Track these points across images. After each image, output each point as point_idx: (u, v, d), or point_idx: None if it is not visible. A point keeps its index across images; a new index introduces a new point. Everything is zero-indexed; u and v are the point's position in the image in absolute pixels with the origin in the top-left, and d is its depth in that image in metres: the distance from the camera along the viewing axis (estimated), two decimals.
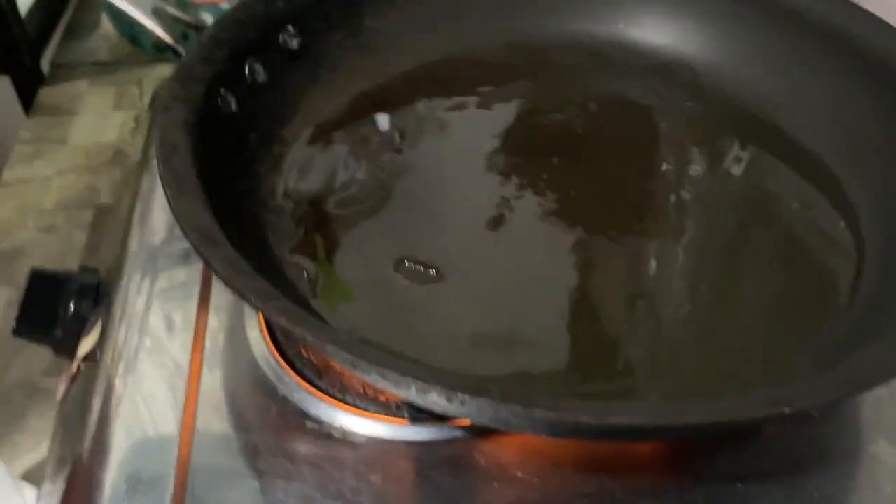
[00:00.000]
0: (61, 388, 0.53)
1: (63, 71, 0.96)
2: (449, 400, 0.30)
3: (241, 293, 0.33)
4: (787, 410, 0.29)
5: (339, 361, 0.30)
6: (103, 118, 0.92)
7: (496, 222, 0.49)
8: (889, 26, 0.50)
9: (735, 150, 0.55)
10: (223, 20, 0.50)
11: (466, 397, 0.30)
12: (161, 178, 0.39)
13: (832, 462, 0.42)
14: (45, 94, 0.95)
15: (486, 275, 0.46)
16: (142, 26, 0.51)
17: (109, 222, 0.75)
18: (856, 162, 0.51)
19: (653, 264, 0.48)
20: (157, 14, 0.50)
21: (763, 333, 0.44)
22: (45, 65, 0.97)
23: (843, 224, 0.50)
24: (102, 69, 0.98)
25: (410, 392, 0.30)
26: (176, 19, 0.51)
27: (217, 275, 0.34)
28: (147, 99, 0.90)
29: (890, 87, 0.49)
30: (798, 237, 0.49)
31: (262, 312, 0.33)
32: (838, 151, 0.52)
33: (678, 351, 0.43)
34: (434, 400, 0.30)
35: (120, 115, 0.91)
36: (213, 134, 0.45)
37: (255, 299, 0.33)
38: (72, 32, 1.00)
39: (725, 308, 0.45)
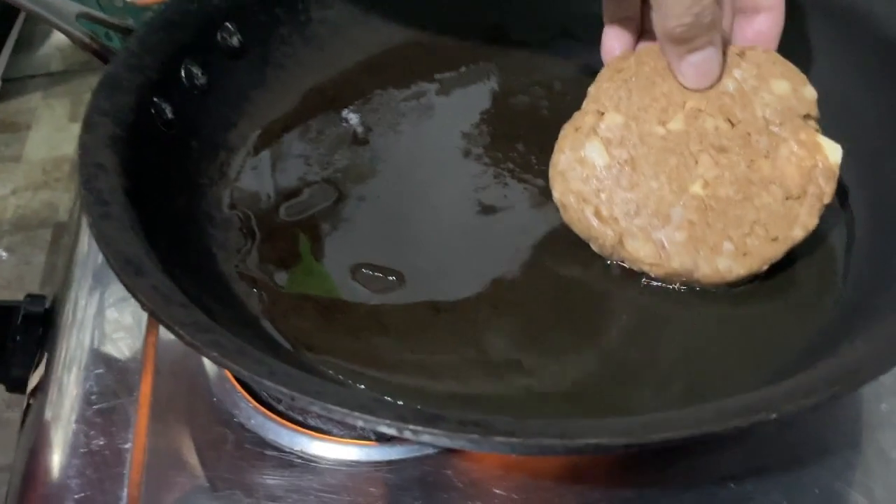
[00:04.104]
0: (20, 422, 0.51)
1: (15, 85, 0.93)
2: (400, 431, 0.27)
3: (167, 325, 0.30)
4: (773, 416, 0.26)
5: (279, 396, 0.27)
6: (59, 131, 0.89)
7: (462, 219, 0.46)
8: None
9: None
10: (152, 22, 0.47)
11: (419, 428, 0.27)
12: (82, 202, 0.36)
13: (833, 454, 0.39)
14: None
15: (449, 271, 0.43)
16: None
17: (65, 241, 0.72)
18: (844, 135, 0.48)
19: None
20: (84, 20, 0.46)
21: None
22: None
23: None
24: (56, 80, 0.94)
25: (359, 424, 0.28)
26: (107, 25, 0.48)
27: (142, 306, 0.31)
28: None
29: (878, 55, 0.45)
30: None
31: (192, 346, 0.30)
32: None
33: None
34: (384, 431, 0.27)
35: (76, 127, 0.87)
36: (147, 148, 0.42)
37: (185, 332, 0.30)
38: (22, 45, 0.96)
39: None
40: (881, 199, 0.43)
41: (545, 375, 0.38)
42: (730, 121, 0.42)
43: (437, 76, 0.54)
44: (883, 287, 0.38)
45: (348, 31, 0.55)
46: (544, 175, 0.47)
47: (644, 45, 0.46)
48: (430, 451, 0.38)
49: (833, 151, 0.41)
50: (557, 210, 0.43)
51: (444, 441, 0.27)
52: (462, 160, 0.49)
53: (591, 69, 0.54)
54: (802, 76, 0.43)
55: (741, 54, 0.43)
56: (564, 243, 0.43)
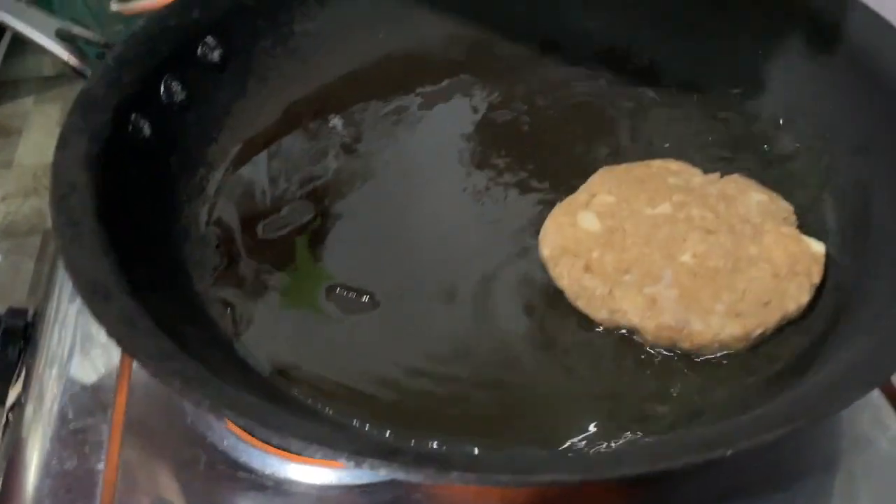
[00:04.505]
0: None
1: (7, 88, 0.93)
2: (358, 465, 0.27)
3: (132, 354, 0.30)
4: (728, 453, 0.26)
5: (240, 426, 0.27)
6: (51, 136, 0.88)
7: (439, 236, 0.46)
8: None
9: (692, 129, 0.52)
10: (131, 37, 0.46)
11: (377, 462, 0.27)
12: (52, 224, 0.36)
13: (809, 477, 0.39)
14: None
15: (421, 294, 0.43)
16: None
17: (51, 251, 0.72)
18: (820, 143, 0.48)
19: None
20: (63, 36, 0.46)
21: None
22: None
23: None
24: (48, 83, 0.94)
25: (317, 456, 0.28)
26: (87, 41, 0.48)
27: (108, 334, 0.31)
28: None
29: (864, 74, 0.45)
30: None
31: (155, 376, 0.30)
32: (799, 129, 0.49)
33: None
34: (343, 464, 0.27)
35: None
36: (123, 166, 0.42)
37: (149, 362, 0.30)
38: (15, 47, 0.96)
39: None
40: (853, 225, 0.42)
41: (513, 402, 0.38)
42: (714, 213, 0.43)
43: (420, 90, 0.54)
44: (853, 310, 0.38)
45: (331, 43, 0.55)
46: (525, 191, 0.48)
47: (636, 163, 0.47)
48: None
49: (816, 245, 0.42)
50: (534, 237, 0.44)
51: (402, 475, 0.27)
52: (441, 176, 0.49)
53: (574, 84, 0.54)
54: (777, 194, 0.44)
55: (719, 179, 0.45)
56: (538, 270, 0.43)
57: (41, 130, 0.89)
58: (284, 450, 0.38)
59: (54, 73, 0.96)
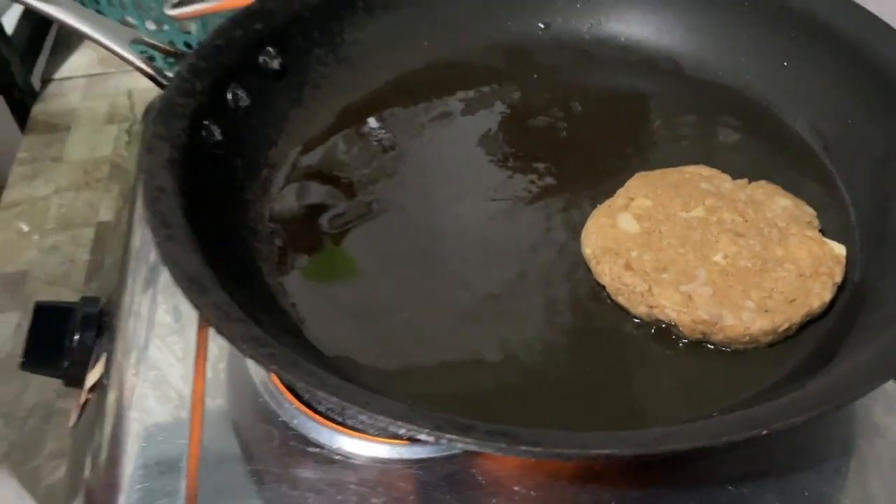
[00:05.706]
0: (73, 415, 0.55)
1: (54, 85, 0.96)
2: (437, 440, 0.31)
3: (231, 341, 0.34)
4: (764, 433, 0.30)
5: (329, 405, 0.31)
6: (97, 132, 0.92)
7: (483, 239, 0.50)
8: (865, 12, 0.50)
9: (723, 135, 0.56)
10: (201, 48, 0.50)
11: (454, 436, 0.31)
12: (148, 224, 0.39)
13: (824, 459, 0.42)
14: (39, 111, 0.95)
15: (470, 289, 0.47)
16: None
17: (110, 240, 0.76)
18: (845, 151, 0.51)
19: None
20: (137, 45, 0.50)
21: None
22: (35, 81, 0.97)
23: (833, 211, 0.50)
24: (93, 81, 0.98)
25: (401, 432, 0.31)
26: (154, 47, 0.52)
27: (208, 322, 0.35)
28: (138, 110, 0.90)
29: (887, 87, 0.49)
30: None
31: (253, 359, 0.34)
32: (825, 136, 0.52)
33: None
34: (424, 438, 0.31)
35: (113, 129, 0.91)
36: (199, 168, 0.46)
37: (246, 347, 0.34)
38: (60, 45, 1.00)
39: None
40: (872, 230, 0.46)
41: (555, 389, 0.42)
42: (743, 217, 0.47)
43: (462, 95, 0.58)
44: (869, 308, 0.41)
45: (379, 52, 0.59)
46: (563, 194, 0.51)
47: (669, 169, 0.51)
48: (457, 450, 0.42)
49: (838, 247, 0.46)
50: (575, 237, 0.48)
51: (475, 448, 0.31)
52: (484, 179, 0.53)
53: (611, 90, 0.58)
54: (801, 199, 0.49)
55: (747, 184, 0.49)
56: (580, 268, 0.47)
57: (88, 127, 0.93)
58: (352, 427, 0.42)
59: (99, 71, 0.99)
